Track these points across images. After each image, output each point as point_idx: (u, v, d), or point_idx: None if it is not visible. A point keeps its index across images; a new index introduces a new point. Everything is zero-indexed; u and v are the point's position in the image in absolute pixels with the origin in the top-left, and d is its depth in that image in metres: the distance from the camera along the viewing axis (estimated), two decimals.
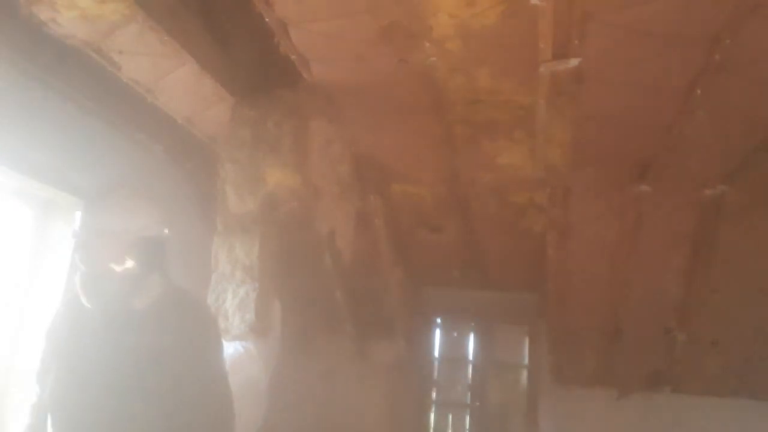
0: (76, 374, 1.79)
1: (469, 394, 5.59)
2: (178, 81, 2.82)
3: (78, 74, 2.74)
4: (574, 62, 2.38)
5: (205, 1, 2.73)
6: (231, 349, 2.58)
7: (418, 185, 3.94)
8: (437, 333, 5.59)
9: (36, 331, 2.91)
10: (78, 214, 3.01)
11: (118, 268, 1.75)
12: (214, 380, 1.83)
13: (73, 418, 1.77)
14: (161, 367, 1.73)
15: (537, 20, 2.19)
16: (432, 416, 5.50)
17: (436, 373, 5.51)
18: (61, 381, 1.80)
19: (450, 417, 5.81)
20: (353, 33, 2.45)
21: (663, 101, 2.70)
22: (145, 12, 2.31)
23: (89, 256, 1.75)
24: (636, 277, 3.96)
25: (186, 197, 3.70)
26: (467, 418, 5.72)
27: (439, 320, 5.55)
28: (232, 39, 2.84)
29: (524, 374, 5.41)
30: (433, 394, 5.49)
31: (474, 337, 5.58)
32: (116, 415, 1.72)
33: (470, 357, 5.59)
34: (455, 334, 5.75)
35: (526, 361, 5.33)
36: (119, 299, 1.77)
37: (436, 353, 5.55)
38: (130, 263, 1.76)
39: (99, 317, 1.78)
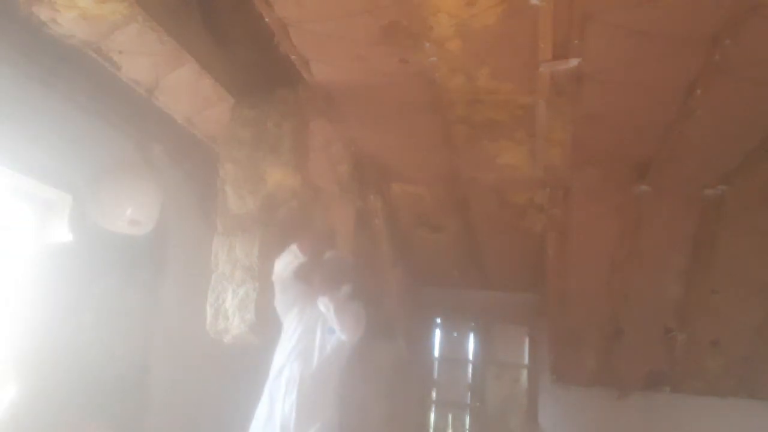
0: None
1: (469, 394, 5.59)
2: (178, 81, 2.81)
3: (78, 74, 2.73)
4: (574, 62, 2.38)
5: (205, 1, 2.73)
6: None
7: (418, 185, 3.94)
8: (437, 333, 5.59)
9: (34, 330, 2.90)
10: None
11: None
12: None
13: None
14: None
15: (537, 20, 2.19)
16: (432, 416, 5.50)
17: (436, 373, 5.51)
18: None
19: (450, 417, 5.80)
20: (353, 33, 2.45)
21: (663, 101, 2.70)
22: (145, 12, 2.30)
23: None
24: (636, 277, 3.97)
25: (186, 197, 3.70)
26: (467, 418, 5.71)
27: (439, 320, 5.55)
28: (232, 39, 2.83)
29: (524, 374, 5.41)
30: (433, 394, 5.49)
31: (474, 337, 5.58)
32: None
33: (470, 357, 5.58)
34: (455, 334, 5.75)
35: (526, 360, 5.33)
36: None
37: (436, 353, 5.55)
38: None
39: None
